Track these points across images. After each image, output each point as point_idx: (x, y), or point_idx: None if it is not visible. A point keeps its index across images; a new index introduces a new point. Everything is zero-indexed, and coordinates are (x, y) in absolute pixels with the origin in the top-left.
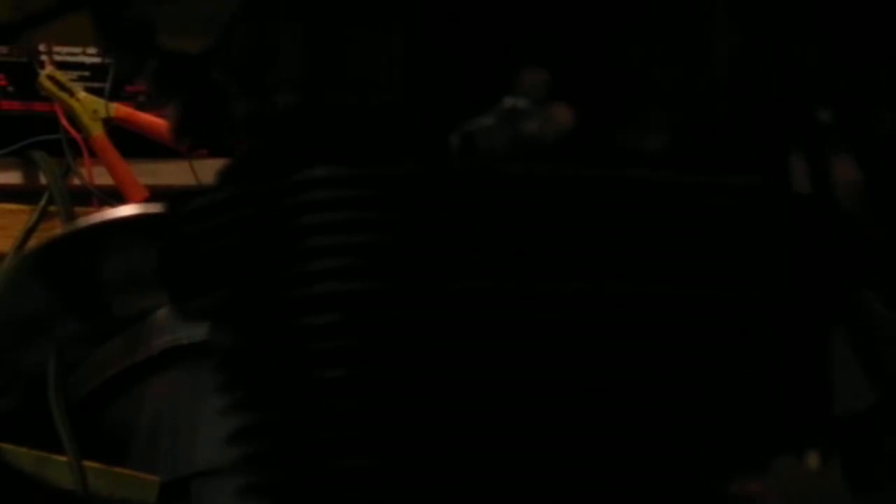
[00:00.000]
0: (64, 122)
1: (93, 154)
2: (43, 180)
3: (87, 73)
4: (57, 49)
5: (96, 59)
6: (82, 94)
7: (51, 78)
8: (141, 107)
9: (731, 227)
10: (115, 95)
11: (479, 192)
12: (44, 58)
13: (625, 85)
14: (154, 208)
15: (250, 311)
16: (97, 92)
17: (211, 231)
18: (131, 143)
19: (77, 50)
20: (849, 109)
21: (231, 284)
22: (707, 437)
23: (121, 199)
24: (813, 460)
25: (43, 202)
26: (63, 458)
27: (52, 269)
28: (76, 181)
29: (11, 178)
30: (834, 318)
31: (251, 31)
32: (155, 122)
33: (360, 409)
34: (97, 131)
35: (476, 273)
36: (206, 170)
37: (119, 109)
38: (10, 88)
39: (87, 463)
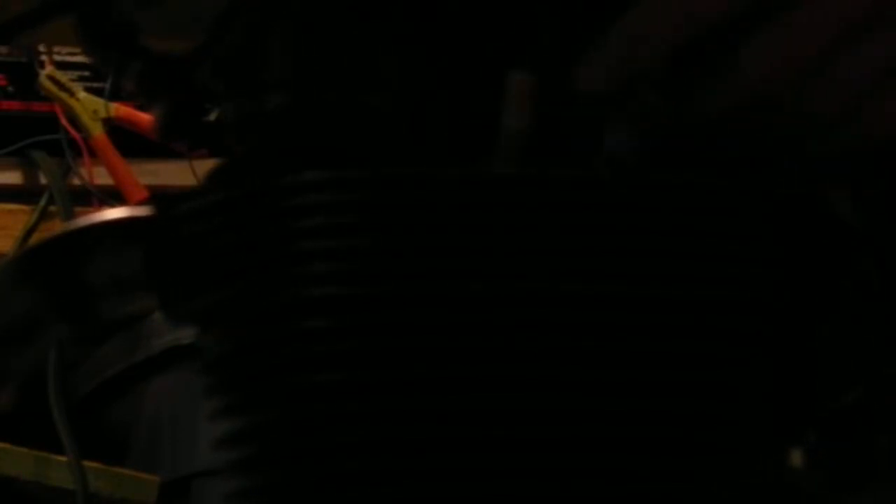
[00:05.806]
0: (64, 122)
1: (93, 154)
2: (43, 180)
3: (87, 73)
4: (57, 49)
5: None
6: (82, 94)
7: (51, 78)
8: (141, 107)
9: (726, 226)
10: (115, 95)
11: (472, 194)
12: (44, 58)
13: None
14: (143, 211)
15: (241, 315)
16: (97, 92)
17: (201, 234)
18: (131, 143)
19: (77, 50)
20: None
21: (221, 288)
22: (705, 437)
23: (121, 199)
24: (797, 458)
25: (43, 202)
26: (63, 458)
27: (36, 274)
28: (76, 181)
29: (11, 178)
30: (822, 315)
31: (241, 32)
32: None
33: (359, 412)
34: (97, 131)
35: (472, 274)
36: (206, 170)
37: (119, 109)
38: (10, 88)
39: (87, 463)
